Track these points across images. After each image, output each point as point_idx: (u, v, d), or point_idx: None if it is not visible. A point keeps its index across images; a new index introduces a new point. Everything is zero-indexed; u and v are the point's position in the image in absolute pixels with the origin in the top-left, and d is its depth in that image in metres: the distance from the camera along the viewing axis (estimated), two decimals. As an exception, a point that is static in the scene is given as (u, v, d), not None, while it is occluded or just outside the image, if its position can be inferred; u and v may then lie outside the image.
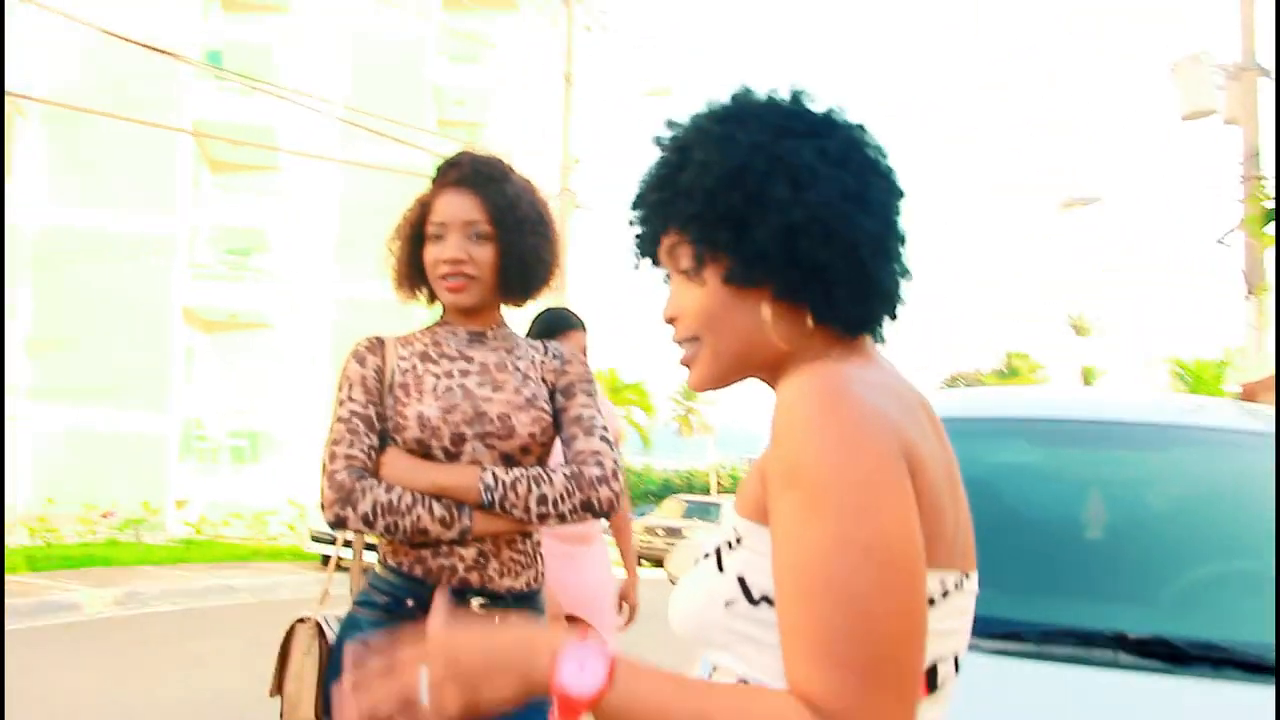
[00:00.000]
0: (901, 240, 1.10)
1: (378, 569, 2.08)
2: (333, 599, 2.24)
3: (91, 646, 7.99)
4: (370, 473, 2.00)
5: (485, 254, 2.11)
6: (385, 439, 2.06)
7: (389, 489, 1.97)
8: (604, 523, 3.30)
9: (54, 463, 15.74)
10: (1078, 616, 2.30)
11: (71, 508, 13.80)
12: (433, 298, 2.21)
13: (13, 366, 15.66)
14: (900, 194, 1.11)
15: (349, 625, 2.08)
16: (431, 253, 2.12)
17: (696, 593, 1.08)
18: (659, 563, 14.98)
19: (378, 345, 2.13)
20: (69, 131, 15.82)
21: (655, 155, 1.13)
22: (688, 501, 25.49)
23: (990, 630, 2.18)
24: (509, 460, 2.06)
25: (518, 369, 2.15)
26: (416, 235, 2.17)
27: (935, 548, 0.98)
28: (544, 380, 2.17)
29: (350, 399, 2.05)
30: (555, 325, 3.41)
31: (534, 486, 2.00)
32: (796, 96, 1.11)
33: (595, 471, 2.04)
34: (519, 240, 2.12)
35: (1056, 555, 2.57)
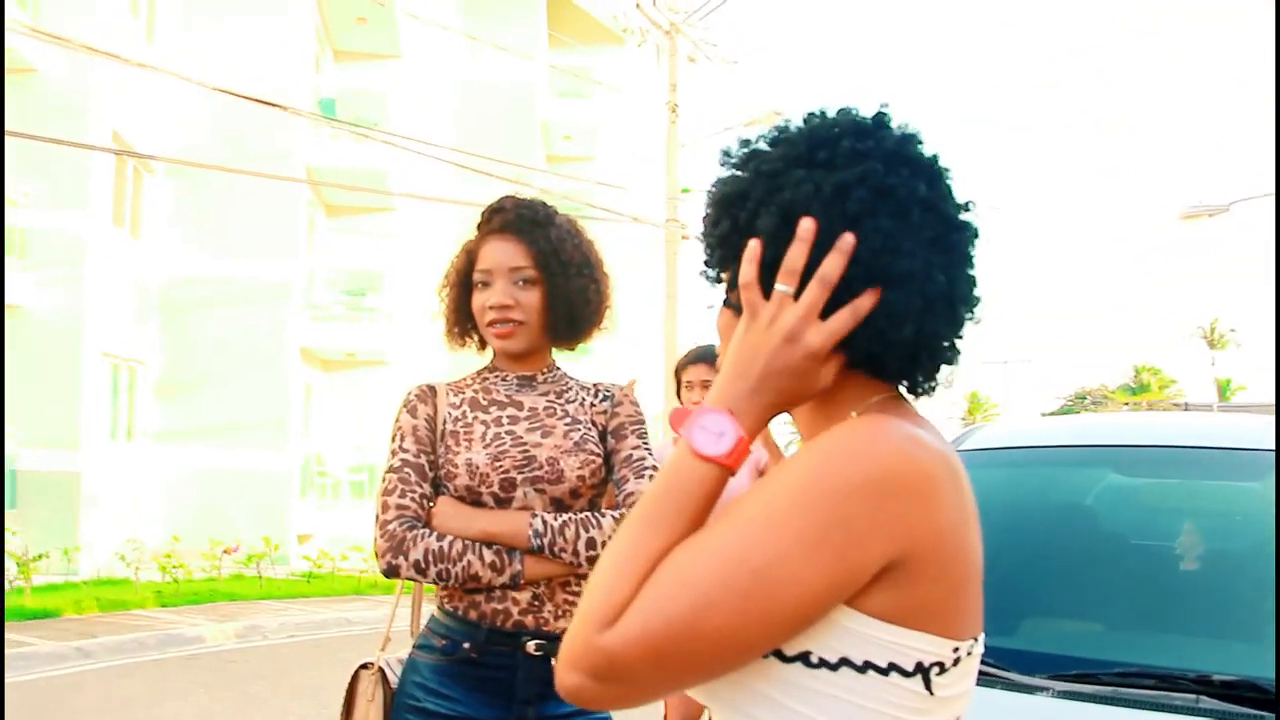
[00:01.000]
0: (961, 291, 1.03)
1: (436, 613, 2.11)
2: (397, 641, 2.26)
3: (211, 679, 8.29)
4: (423, 521, 2.03)
5: (532, 299, 2.13)
6: (439, 487, 2.09)
7: (440, 537, 2.00)
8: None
9: (182, 502, 16.38)
10: (1158, 655, 2.20)
11: (199, 544, 14.33)
12: (483, 344, 2.24)
13: (143, 412, 16.46)
14: (930, 238, 1.01)
15: (409, 669, 2.10)
16: (479, 300, 2.15)
17: None
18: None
19: (429, 394, 2.16)
20: (193, 186, 16.58)
21: (724, 175, 1.09)
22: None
23: (1062, 669, 2.10)
24: (560, 504, 2.07)
25: (566, 413, 2.15)
26: (464, 283, 2.20)
27: (965, 620, 0.98)
28: (594, 423, 2.17)
29: (402, 449, 2.09)
30: (704, 356, 3.91)
31: (583, 531, 2.01)
32: (847, 121, 1.04)
33: None
34: (565, 284, 2.13)
35: (1140, 589, 2.46)
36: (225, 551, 14.23)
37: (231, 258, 16.82)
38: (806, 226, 0.98)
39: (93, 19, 13.49)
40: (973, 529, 1.00)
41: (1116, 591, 2.45)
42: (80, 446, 13.97)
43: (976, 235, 1.06)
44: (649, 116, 22.30)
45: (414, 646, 2.12)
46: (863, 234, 0.98)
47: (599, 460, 2.12)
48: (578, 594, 2.07)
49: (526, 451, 2.07)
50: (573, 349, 2.26)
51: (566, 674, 0.93)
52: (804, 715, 0.95)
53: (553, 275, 2.13)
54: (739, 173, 1.06)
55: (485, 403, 2.15)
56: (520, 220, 2.16)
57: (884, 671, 0.95)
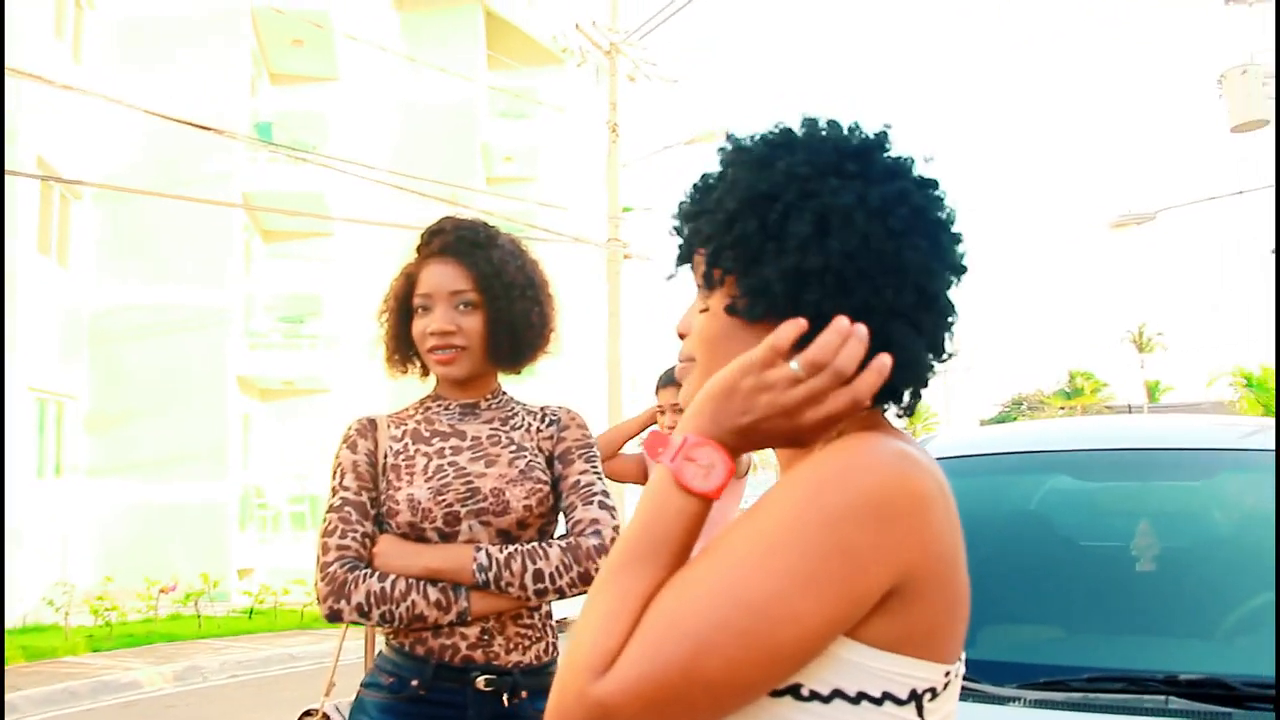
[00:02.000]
0: (940, 311, 1.00)
1: (384, 649, 2.05)
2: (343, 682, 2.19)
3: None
4: (365, 562, 1.97)
5: (474, 323, 2.07)
6: (383, 524, 2.03)
7: (382, 577, 1.94)
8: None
9: (116, 540, 15.87)
10: (1127, 658, 2.21)
11: (134, 584, 13.88)
12: (426, 371, 2.18)
13: (72, 447, 15.98)
14: (953, 264, 1.00)
15: (356, 709, 2.04)
16: (419, 325, 2.09)
17: None
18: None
19: (369, 428, 2.11)
20: (124, 212, 16.23)
21: (707, 168, 1.08)
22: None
23: (1031, 678, 2.07)
24: (507, 536, 2.01)
25: (512, 440, 2.10)
26: (404, 308, 2.14)
27: (956, 642, 0.96)
28: (540, 448, 2.11)
29: (343, 486, 2.03)
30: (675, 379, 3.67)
31: (529, 563, 1.95)
32: (866, 136, 1.01)
33: (593, 541, 1.98)
34: (508, 307, 2.08)
35: (1102, 593, 2.47)
36: (162, 590, 13.80)
37: (165, 285, 16.50)
38: (862, 331, 0.92)
39: (14, 38, 13.15)
40: (961, 547, 0.96)
41: (1078, 596, 2.46)
42: (3, 485, 13.49)
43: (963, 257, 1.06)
44: (590, 136, 22.36)
45: (361, 685, 2.05)
46: (904, 253, 0.95)
47: (546, 488, 2.06)
48: (529, 627, 2.02)
49: (470, 483, 2.01)
50: (518, 372, 2.20)
51: None
52: None
53: (495, 298, 2.07)
54: (761, 172, 0.99)
55: (427, 434, 2.09)
56: (460, 242, 2.10)
57: (878, 701, 0.90)
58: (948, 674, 0.95)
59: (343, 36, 18.96)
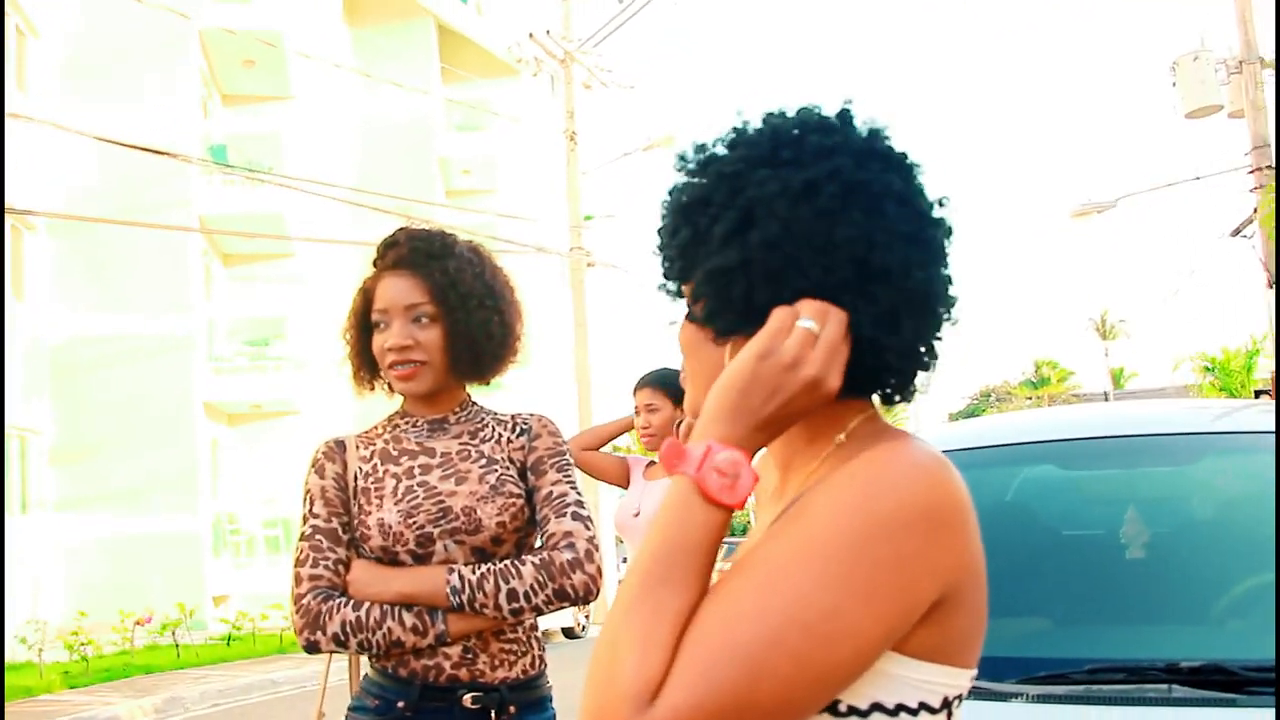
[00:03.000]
0: (895, 283, 0.93)
1: (370, 671, 2.01)
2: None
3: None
4: (339, 590, 1.94)
5: (432, 337, 2.02)
6: (357, 548, 1.99)
7: (356, 606, 1.90)
8: None
9: (88, 574, 15.60)
10: (1126, 648, 2.20)
11: (109, 618, 13.62)
12: (393, 388, 2.12)
13: (39, 481, 15.70)
14: (907, 232, 0.94)
15: None
16: (378, 341, 2.04)
17: None
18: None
19: (337, 450, 2.07)
20: (80, 242, 15.98)
21: (681, 182, 1.03)
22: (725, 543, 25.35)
23: (1031, 672, 2.06)
24: (482, 554, 1.97)
25: (482, 453, 2.05)
26: (364, 324, 2.09)
27: (980, 647, 0.95)
28: (511, 459, 2.06)
29: (313, 514, 1.99)
30: (653, 381, 3.72)
31: (502, 582, 1.90)
32: (812, 120, 0.98)
33: (567, 556, 1.93)
34: (465, 318, 2.03)
35: (1097, 583, 2.45)
36: (137, 622, 13.58)
37: (126, 314, 16.29)
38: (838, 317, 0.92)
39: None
40: (983, 550, 0.95)
41: (1073, 587, 2.45)
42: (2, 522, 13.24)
43: (951, 231, 1.00)
44: (548, 146, 22.30)
45: (348, 709, 2.02)
46: (837, 230, 0.92)
47: (520, 502, 2.02)
48: (513, 642, 1.98)
49: (441, 502, 1.97)
50: (486, 383, 2.15)
51: None
52: None
53: (452, 310, 2.02)
54: (697, 179, 0.99)
55: (396, 453, 2.04)
56: (415, 254, 2.05)
57: (914, 712, 0.89)
58: (973, 679, 0.94)
59: (295, 55, 18.80)
